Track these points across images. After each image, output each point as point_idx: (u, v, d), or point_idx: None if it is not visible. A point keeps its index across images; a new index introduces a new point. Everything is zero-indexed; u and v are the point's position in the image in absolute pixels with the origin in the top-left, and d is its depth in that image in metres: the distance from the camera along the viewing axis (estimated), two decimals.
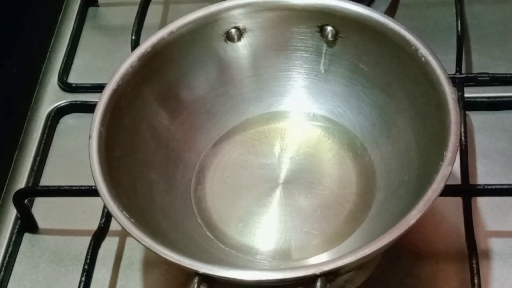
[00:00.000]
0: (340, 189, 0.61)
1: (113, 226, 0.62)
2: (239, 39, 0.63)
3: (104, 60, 0.77)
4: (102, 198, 0.53)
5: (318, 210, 0.60)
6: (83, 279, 0.59)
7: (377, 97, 0.61)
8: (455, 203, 0.61)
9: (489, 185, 0.61)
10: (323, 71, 0.64)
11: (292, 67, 0.65)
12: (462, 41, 0.71)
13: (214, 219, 0.61)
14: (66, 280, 0.62)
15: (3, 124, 0.71)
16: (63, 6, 0.82)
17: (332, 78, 0.64)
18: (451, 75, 0.60)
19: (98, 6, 0.83)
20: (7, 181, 0.68)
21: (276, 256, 0.58)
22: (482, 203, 0.62)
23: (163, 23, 0.79)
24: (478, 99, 0.68)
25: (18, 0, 0.76)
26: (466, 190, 0.61)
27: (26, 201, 0.64)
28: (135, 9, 0.75)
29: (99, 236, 0.61)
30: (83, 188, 0.63)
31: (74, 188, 0.64)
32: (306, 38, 0.63)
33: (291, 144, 0.64)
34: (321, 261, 0.55)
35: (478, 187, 0.61)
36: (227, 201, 0.61)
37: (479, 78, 0.69)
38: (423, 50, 0.56)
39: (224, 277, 0.49)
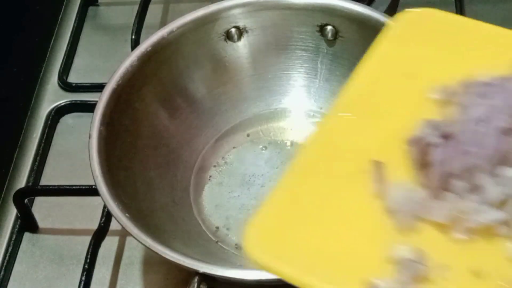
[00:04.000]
0: None
1: (113, 226, 0.62)
2: (239, 38, 0.63)
3: (104, 60, 0.77)
4: (102, 198, 0.53)
5: None
6: (83, 278, 0.58)
7: None
8: None
9: None
10: (323, 71, 0.64)
11: (292, 67, 0.65)
12: None
13: (213, 219, 0.60)
14: (66, 280, 0.62)
15: (3, 124, 0.71)
16: (63, 6, 0.82)
17: (332, 78, 0.64)
18: None
19: (98, 5, 0.82)
20: (7, 181, 0.68)
21: None
22: None
23: (163, 23, 0.79)
24: None
25: (18, 0, 0.76)
26: None
27: (26, 200, 0.64)
28: (135, 9, 0.75)
29: (99, 236, 0.61)
30: (83, 188, 0.63)
31: (74, 187, 0.64)
32: (306, 37, 0.63)
33: (291, 144, 0.64)
34: None
35: None
36: (226, 201, 0.61)
37: None
38: None
39: (224, 277, 0.49)
